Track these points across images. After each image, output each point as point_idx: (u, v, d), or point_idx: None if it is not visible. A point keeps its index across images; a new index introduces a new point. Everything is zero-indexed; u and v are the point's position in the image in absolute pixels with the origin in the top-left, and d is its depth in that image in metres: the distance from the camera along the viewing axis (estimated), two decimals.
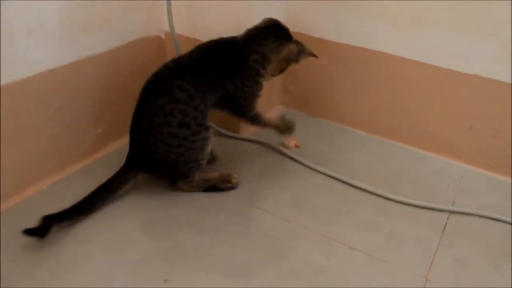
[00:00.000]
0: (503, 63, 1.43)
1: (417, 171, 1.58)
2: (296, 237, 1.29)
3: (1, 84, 1.25)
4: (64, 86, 1.42)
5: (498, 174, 1.56)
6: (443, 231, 1.32)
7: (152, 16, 1.65)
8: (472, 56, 1.48)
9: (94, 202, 1.31)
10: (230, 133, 1.72)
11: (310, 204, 1.42)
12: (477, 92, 1.51)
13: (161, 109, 1.28)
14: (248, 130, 1.70)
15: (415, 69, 1.58)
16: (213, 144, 1.40)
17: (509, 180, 1.54)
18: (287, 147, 1.65)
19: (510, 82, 1.44)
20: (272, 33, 1.40)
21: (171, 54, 1.71)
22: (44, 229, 1.21)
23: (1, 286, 1.10)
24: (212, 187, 1.43)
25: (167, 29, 1.68)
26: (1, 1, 1.19)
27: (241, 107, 1.43)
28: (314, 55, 1.45)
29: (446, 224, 1.35)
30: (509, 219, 1.36)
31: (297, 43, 1.42)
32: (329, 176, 1.52)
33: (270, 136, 1.66)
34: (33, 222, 1.27)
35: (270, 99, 1.89)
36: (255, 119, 1.47)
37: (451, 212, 1.39)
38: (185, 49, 1.61)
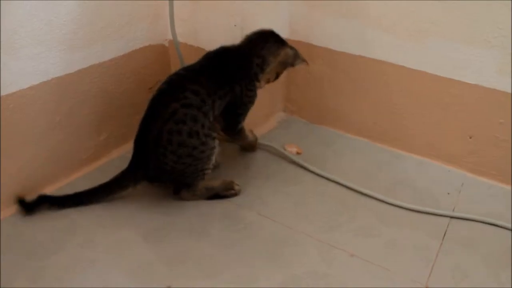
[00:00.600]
0: (505, 74, 1.44)
1: (417, 179, 1.58)
2: (298, 244, 1.30)
3: (7, 92, 1.27)
4: (69, 94, 1.44)
5: (498, 182, 1.57)
6: (443, 239, 1.33)
7: (156, 25, 1.66)
8: (474, 66, 1.49)
9: (89, 198, 1.38)
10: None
11: (311, 210, 1.43)
12: (478, 102, 1.52)
13: (173, 115, 1.29)
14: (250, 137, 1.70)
15: (416, 78, 1.60)
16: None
17: (509, 188, 1.54)
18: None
19: (511, 92, 1.45)
20: (270, 37, 1.47)
21: (174, 62, 1.73)
22: (34, 206, 1.32)
23: (1, 286, 1.11)
24: (215, 195, 1.45)
25: (171, 37, 1.69)
26: (8, 10, 1.21)
27: (238, 115, 1.46)
28: (306, 62, 1.50)
29: (446, 231, 1.35)
30: (509, 226, 1.37)
31: (292, 48, 1.48)
32: (332, 181, 1.53)
33: (271, 142, 1.68)
34: (35, 228, 1.29)
35: (272, 106, 1.90)
36: (241, 132, 1.52)
37: (452, 217, 1.39)
38: (188, 57, 1.63)
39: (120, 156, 1.59)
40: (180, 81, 1.35)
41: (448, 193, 1.51)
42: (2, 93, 1.26)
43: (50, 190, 1.44)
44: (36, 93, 1.34)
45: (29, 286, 1.13)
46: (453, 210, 1.44)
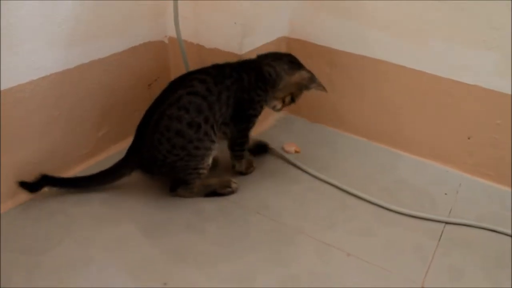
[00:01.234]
0: (503, 75, 1.45)
1: (415, 179, 1.59)
2: (295, 243, 1.31)
3: (7, 87, 1.27)
4: (69, 89, 1.44)
5: (496, 183, 1.57)
6: (439, 240, 1.33)
7: (156, 21, 1.66)
8: (473, 67, 1.49)
9: (89, 183, 1.41)
10: None
11: (309, 209, 1.43)
12: (476, 102, 1.52)
13: (178, 101, 1.30)
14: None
15: (415, 78, 1.60)
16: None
17: (507, 189, 1.55)
18: (287, 152, 1.67)
19: (509, 93, 1.46)
20: (284, 57, 1.48)
21: (174, 59, 1.73)
22: (38, 186, 1.34)
23: (1, 286, 1.11)
24: (213, 192, 1.45)
25: (170, 34, 1.69)
26: (8, 4, 1.20)
27: (248, 115, 1.43)
28: (324, 89, 1.49)
29: (442, 232, 1.36)
30: (505, 230, 1.37)
31: (309, 71, 1.47)
32: (328, 183, 1.53)
33: (270, 140, 1.68)
34: (35, 224, 1.29)
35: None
36: (243, 145, 1.48)
37: (447, 223, 1.40)
38: (188, 54, 1.64)
39: (119, 152, 1.58)
40: (190, 73, 1.39)
41: (446, 194, 1.52)
42: (2, 88, 1.26)
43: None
44: (36, 88, 1.34)
45: (26, 281, 1.13)
46: (450, 211, 1.44)
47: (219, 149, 1.42)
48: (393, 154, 1.72)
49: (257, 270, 1.21)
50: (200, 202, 1.43)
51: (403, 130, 1.70)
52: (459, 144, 1.60)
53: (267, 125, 1.85)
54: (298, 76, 1.45)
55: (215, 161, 1.51)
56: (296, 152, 1.67)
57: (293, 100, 1.49)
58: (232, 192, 1.46)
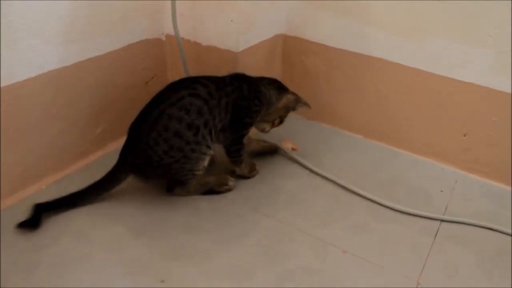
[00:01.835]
0: (499, 73, 1.45)
1: (411, 176, 1.60)
2: (291, 240, 1.31)
3: (4, 85, 1.27)
4: (66, 86, 1.44)
5: (491, 180, 1.58)
6: (435, 237, 1.34)
7: (153, 19, 1.66)
8: (468, 65, 1.49)
9: (84, 198, 1.36)
10: None
11: (305, 207, 1.44)
12: (472, 100, 1.53)
13: (179, 101, 1.30)
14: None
15: (411, 76, 1.60)
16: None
17: (502, 186, 1.56)
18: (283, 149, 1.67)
19: (505, 90, 1.46)
20: (274, 82, 1.53)
21: (171, 56, 1.73)
22: (36, 218, 1.28)
23: (1, 286, 1.12)
24: (210, 191, 1.45)
25: (168, 31, 1.70)
26: (5, 1, 1.21)
27: (236, 127, 1.42)
28: (308, 106, 1.56)
29: (438, 229, 1.37)
30: (501, 228, 1.38)
31: (294, 93, 1.54)
32: (325, 178, 1.54)
33: (268, 138, 1.68)
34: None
35: None
36: (239, 151, 1.47)
37: (443, 220, 1.40)
38: (186, 52, 1.64)
39: (116, 150, 1.56)
40: (192, 77, 1.41)
41: (442, 191, 1.53)
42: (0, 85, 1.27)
43: (47, 182, 1.45)
44: (33, 85, 1.34)
45: (24, 278, 1.14)
46: (446, 208, 1.45)
47: (216, 147, 1.43)
48: (389, 151, 1.73)
49: (253, 266, 1.22)
50: (196, 200, 1.43)
51: (400, 127, 1.71)
52: (455, 141, 1.61)
53: None
54: (285, 100, 1.52)
55: (212, 159, 1.51)
56: (293, 149, 1.67)
57: (281, 121, 1.57)
58: (229, 190, 1.47)
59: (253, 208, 1.41)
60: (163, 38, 1.73)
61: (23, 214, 1.29)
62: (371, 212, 1.42)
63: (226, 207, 1.42)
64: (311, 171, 1.58)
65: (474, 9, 1.43)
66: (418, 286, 1.19)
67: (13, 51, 1.27)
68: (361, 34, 1.65)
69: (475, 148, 1.58)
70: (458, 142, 1.60)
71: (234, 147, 1.45)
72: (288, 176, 1.57)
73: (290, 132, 1.79)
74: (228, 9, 1.56)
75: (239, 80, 1.42)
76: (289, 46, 1.82)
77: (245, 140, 1.47)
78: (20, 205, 1.35)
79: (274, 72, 1.83)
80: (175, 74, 1.72)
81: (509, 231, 1.37)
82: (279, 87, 1.52)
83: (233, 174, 1.52)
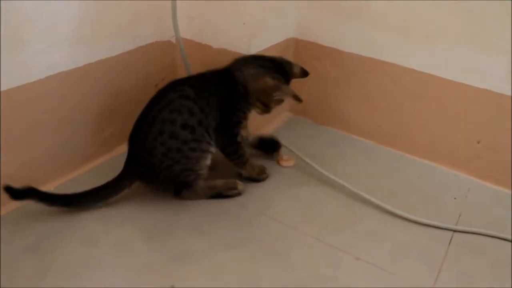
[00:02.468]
0: None
1: (423, 183, 1.57)
2: (302, 246, 1.29)
3: (12, 86, 1.26)
4: (76, 88, 1.43)
5: (505, 188, 1.55)
6: (449, 244, 1.32)
7: (163, 21, 1.65)
8: (483, 71, 1.48)
9: (82, 201, 1.33)
10: None
11: (316, 212, 1.42)
12: (486, 106, 1.51)
13: (169, 104, 1.29)
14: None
15: (424, 81, 1.59)
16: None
17: None
18: (283, 167, 1.63)
19: None
20: (256, 60, 1.42)
21: (181, 59, 1.71)
22: (21, 195, 1.25)
23: (1, 287, 1.10)
24: (218, 195, 1.43)
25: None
26: (15, 3, 1.20)
27: (225, 127, 1.39)
28: (297, 99, 1.39)
29: (452, 237, 1.34)
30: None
31: (276, 79, 1.38)
32: (336, 185, 1.51)
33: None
34: (37, 223, 1.28)
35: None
36: (236, 152, 1.43)
37: (455, 231, 1.37)
38: (194, 54, 1.62)
39: (124, 153, 1.56)
40: (178, 80, 1.39)
41: (455, 198, 1.50)
42: (8, 87, 1.25)
43: (54, 185, 1.43)
44: (42, 87, 1.33)
45: (32, 280, 1.12)
46: (459, 216, 1.42)
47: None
48: (401, 157, 1.70)
49: (263, 273, 1.19)
50: (205, 204, 1.41)
51: (411, 133, 1.69)
52: (468, 148, 1.59)
53: (274, 127, 1.84)
54: (262, 83, 1.37)
55: (212, 163, 1.48)
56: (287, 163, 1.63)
57: (266, 106, 1.42)
58: (238, 194, 1.45)
59: (263, 213, 1.39)
60: (174, 41, 1.71)
61: (31, 216, 1.28)
62: (383, 219, 1.40)
63: (235, 211, 1.40)
64: (322, 177, 1.55)
65: (489, 14, 1.42)
66: None
67: (23, 53, 1.27)
68: (373, 38, 1.64)
69: (489, 155, 1.56)
70: (472, 149, 1.58)
71: (229, 149, 1.42)
72: (298, 181, 1.55)
73: (300, 137, 1.77)
74: (238, 12, 1.55)
75: (220, 77, 1.38)
76: (300, 50, 1.80)
77: (239, 139, 1.43)
78: (27, 207, 1.33)
79: None
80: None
81: None
82: (261, 66, 1.39)
83: (240, 177, 1.50)
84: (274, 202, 1.44)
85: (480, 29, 1.45)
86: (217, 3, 1.57)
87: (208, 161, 1.37)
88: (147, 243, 1.27)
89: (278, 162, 1.63)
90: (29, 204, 1.33)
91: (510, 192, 1.54)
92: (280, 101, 1.43)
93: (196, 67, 1.63)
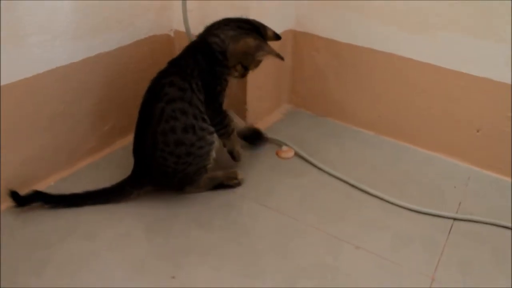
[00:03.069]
0: None
1: (424, 172, 1.57)
2: (303, 236, 1.29)
3: (12, 81, 1.26)
4: (74, 83, 1.43)
5: (505, 176, 1.55)
6: (449, 232, 1.32)
7: (162, 15, 1.65)
8: (482, 59, 1.47)
9: (86, 201, 1.33)
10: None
11: (316, 203, 1.42)
12: (486, 95, 1.51)
13: (161, 114, 1.27)
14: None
15: (424, 71, 1.58)
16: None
17: None
18: (282, 159, 1.63)
19: None
20: (233, 22, 1.35)
21: (179, 52, 1.71)
22: (27, 201, 1.28)
23: (1, 286, 1.10)
24: (219, 185, 1.44)
25: (176, 27, 1.69)
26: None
27: (211, 99, 1.35)
28: (280, 57, 1.34)
29: (452, 224, 1.35)
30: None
31: (258, 39, 1.33)
32: (336, 177, 1.52)
33: (277, 134, 1.66)
34: (37, 219, 1.29)
35: (278, 98, 1.89)
36: (223, 121, 1.40)
37: (456, 219, 1.37)
38: None
39: (124, 147, 1.58)
40: (157, 80, 1.34)
41: (455, 187, 1.50)
42: (8, 82, 1.25)
43: (54, 180, 1.44)
44: (41, 81, 1.34)
45: (31, 279, 1.12)
46: (459, 205, 1.42)
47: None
48: (401, 147, 1.70)
49: (265, 263, 1.20)
50: (206, 195, 1.42)
51: (411, 123, 1.69)
52: (468, 137, 1.59)
53: (274, 119, 1.84)
54: (243, 44, 1.31)
55: None
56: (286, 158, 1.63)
57: (246, 69, 1.37)
58: (238, 184, 1.45)
59: (263, 204, 1.40)
60: (172, 34, 1.71)
61: (32, 210, 1.28)
62: (383, 208, 1.40)
63: (235, 202, 1.40)
64: (321, 169, 1.55)
65: (489, 3, 1.41)
66: (433, 282, 1.16)
67: (21, 47, 1.27)
68: (372, 29, 1.64)
69: (489, 144, 1.56)
70: (472, 137, 1.58)
71: (217, 119, 1.37)
72: (298, 171, 1.55)
73: (300, 129, 1.77)
74: (236, 4, 1.55)
75: (193, 54, 1.34)
76: (299, 41, 1.80)
77: (224, 107, 1.39)
78: None
79: (284, 67, 1.81)
80: None
81: None
82: (240, 27, 1.33)
83: (224, 147, 1.46)
84: (274, 193, 1.44)
85: (480, 17, 1.44)
86: None
87: (214, 153, 1.37)
88: (148, 236, 1.27)
89: (277, 154, 1.63)
90: None
91: (510, 180, 1.54)
92: (259, 62, 1.38)
93: None
